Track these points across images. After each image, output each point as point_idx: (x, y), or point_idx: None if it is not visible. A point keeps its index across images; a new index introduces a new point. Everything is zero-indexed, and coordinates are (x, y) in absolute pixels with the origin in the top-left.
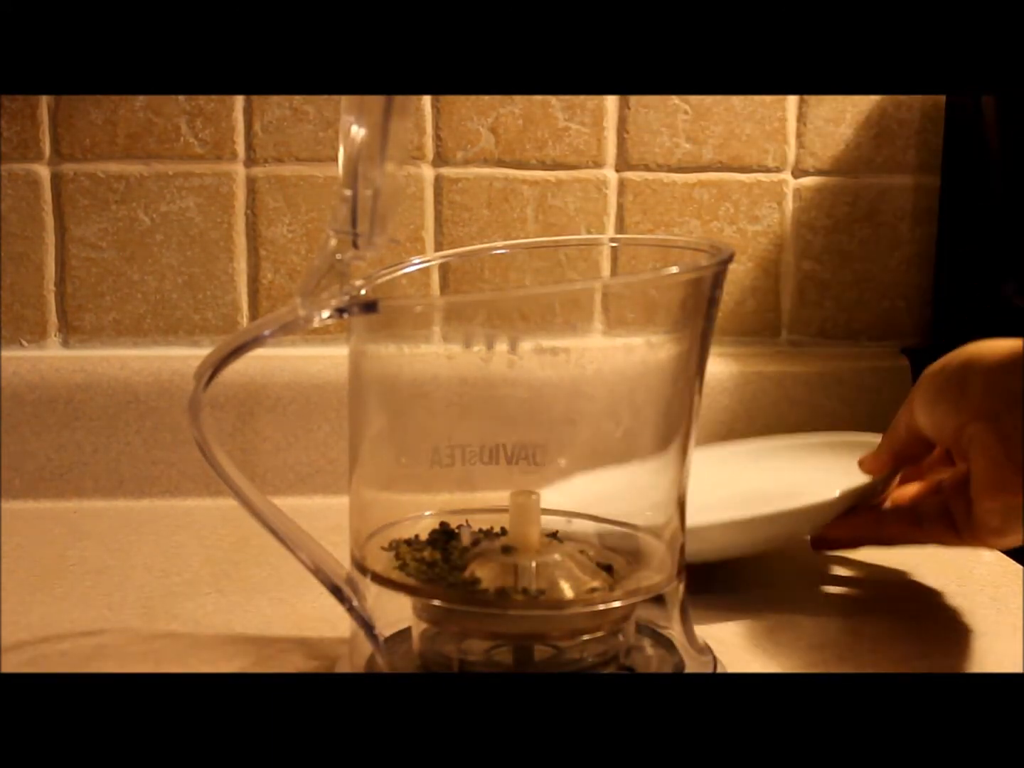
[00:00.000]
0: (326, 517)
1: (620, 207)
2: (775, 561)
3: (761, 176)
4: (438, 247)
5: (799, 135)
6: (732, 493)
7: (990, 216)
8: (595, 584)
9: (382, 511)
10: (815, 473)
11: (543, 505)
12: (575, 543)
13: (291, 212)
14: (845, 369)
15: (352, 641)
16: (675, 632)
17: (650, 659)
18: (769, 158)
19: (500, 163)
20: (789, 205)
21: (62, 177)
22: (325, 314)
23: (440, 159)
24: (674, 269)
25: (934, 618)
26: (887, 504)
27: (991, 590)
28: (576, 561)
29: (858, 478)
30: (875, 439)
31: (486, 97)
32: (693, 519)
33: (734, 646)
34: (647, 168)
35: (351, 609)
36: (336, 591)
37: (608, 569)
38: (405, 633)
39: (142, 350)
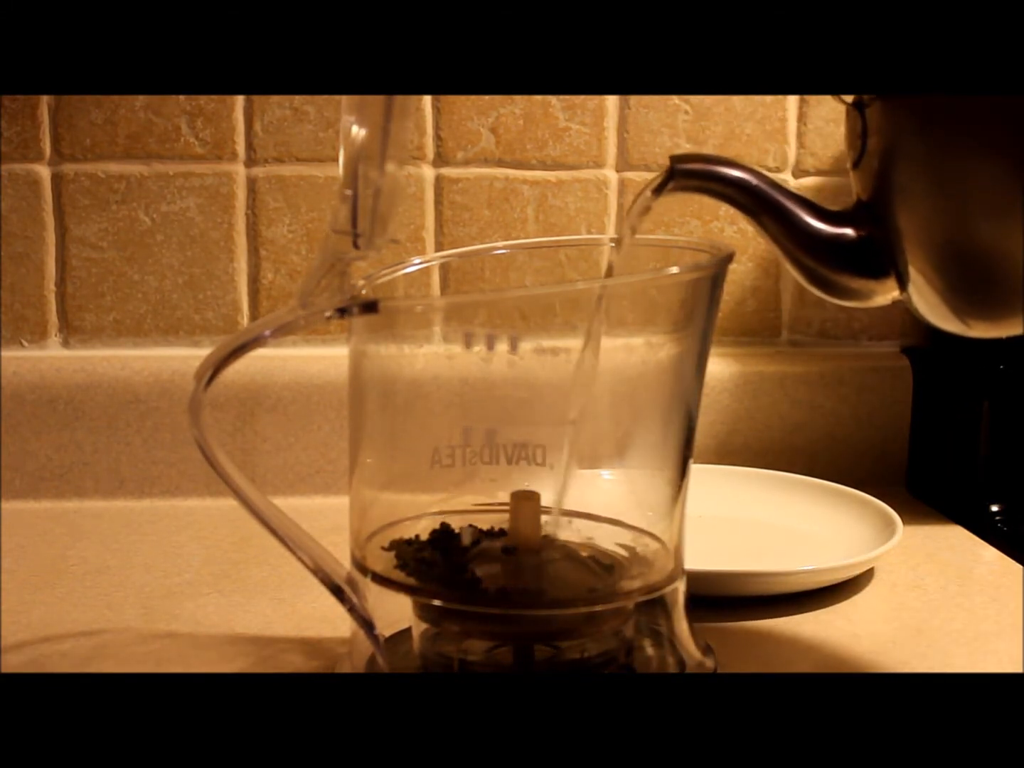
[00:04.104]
0: (326, 517)
1: (620, 207)
2: None
3: None
4: (438, 247)
5: (799, 135)
6: (742, 534)
7: None
8: (595, 584)
9: (382, 511)
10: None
11: (543, 505)
12: (575, 543)
13: (291, 212)
14: (845, 369)
15: (352, 641)
16: (675, 632)
17: (650, 659)
18: (769, 158)
19: (500, 163)
20: None
21: (62, 177)
22: (325, 314)
23: (440, 159)
24: (674, 269)
25: (934, 618)
26: None
27: (991, 590)
28: (576, 561)
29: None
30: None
31: (486, 97)
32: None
33: (734, 646)
34: (647, 168)
35: (351, 609)
36: (336, 591)
37: (608, 569)
38: (405, 633)
39: (143, 350)
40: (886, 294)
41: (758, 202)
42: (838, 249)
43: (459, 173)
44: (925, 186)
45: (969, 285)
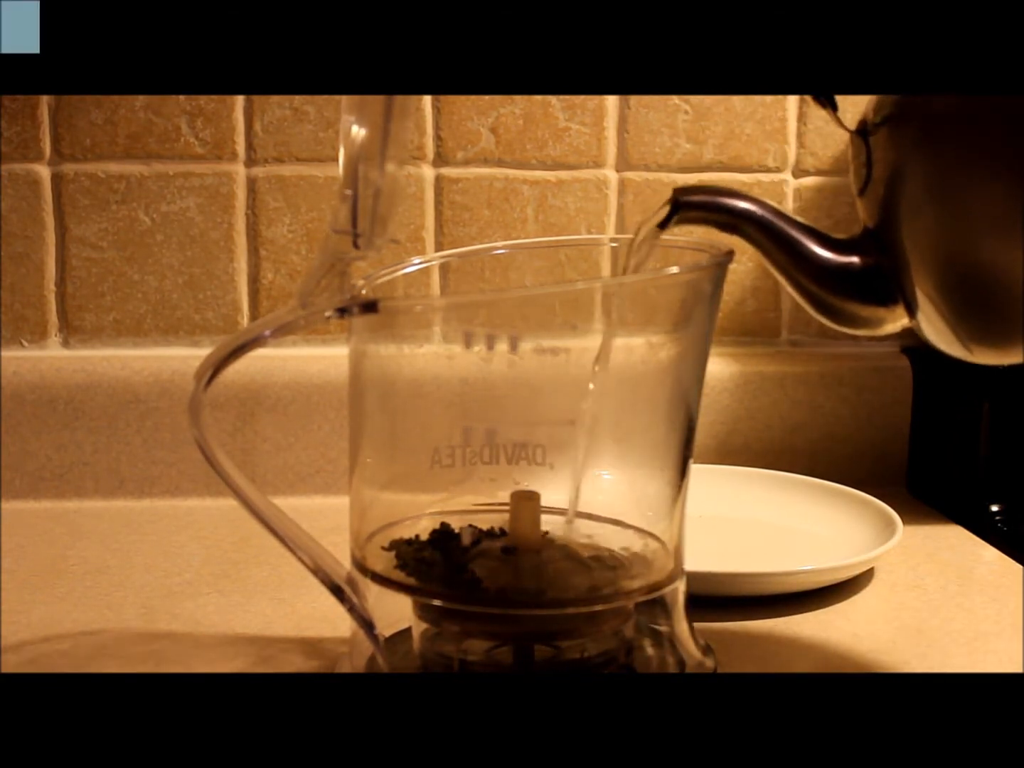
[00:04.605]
0: (326, 517)
1: (620, 207)
2: None
3: (761, 176)
4: (438, 247)
5: (799, 135)
6: (744, 534)
7: None
8: (595, 584)
9: (382, 511)
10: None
11: (545, 505)
12: (575, 543)
13: (291, 212)
14: (845, 369)
15: (352, 641)
16: (675, 632)
17: (650, 659)
18: (769, 158)
19: (500, 163)
20: (789, 205)
21: (62, 177)
22: (325, 314)
23: (440, 159)
24: (674, 269)
25: (934, 618)
26: None
27: (991, 590)
28: (576, 561)
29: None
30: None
31: (486, 97)
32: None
33: (734, 646)
34: (647, 168)
35: (351, 609)
36: (336, 591)
37: (608, 569)
38: (405, 633)
39: (142, 350)
40: (896, 321)
41: (764, 232)
42: (846, 277)
43: (459, 173)
44: (931, 212)
45: (976, 311)
